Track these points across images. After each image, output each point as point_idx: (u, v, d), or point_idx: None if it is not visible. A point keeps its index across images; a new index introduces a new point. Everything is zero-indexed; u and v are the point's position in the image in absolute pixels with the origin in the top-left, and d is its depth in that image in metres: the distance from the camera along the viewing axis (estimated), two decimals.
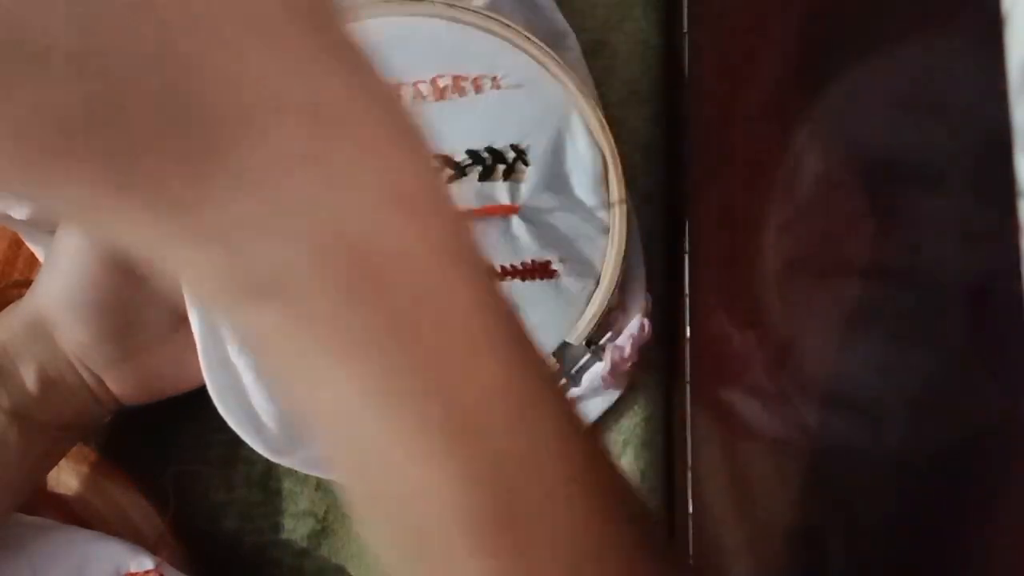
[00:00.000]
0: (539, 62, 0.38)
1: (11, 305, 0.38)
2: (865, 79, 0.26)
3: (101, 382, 0.39)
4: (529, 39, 0.38)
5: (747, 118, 0.37)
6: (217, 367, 0.38)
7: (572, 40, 0.42)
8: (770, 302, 0.34)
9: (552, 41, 0.40)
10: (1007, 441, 0.20)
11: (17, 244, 0.45)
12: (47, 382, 0.37)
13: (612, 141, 0.39)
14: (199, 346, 0.38)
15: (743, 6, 0.38)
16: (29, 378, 0.37)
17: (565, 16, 0.42)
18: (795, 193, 0.32)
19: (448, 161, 0.38)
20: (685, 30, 0.45)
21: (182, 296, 0.38)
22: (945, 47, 0.21)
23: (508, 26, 0.38)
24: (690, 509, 0.43)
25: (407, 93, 0.38)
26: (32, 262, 0.45)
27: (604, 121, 0.39)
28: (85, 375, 0.38)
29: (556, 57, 0.38)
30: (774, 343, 0.33)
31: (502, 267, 0.39)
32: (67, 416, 0.38)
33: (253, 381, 0.39)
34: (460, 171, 0.38)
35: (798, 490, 0.33)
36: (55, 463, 0.41)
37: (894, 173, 0.24)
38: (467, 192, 0.38)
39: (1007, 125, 0.18)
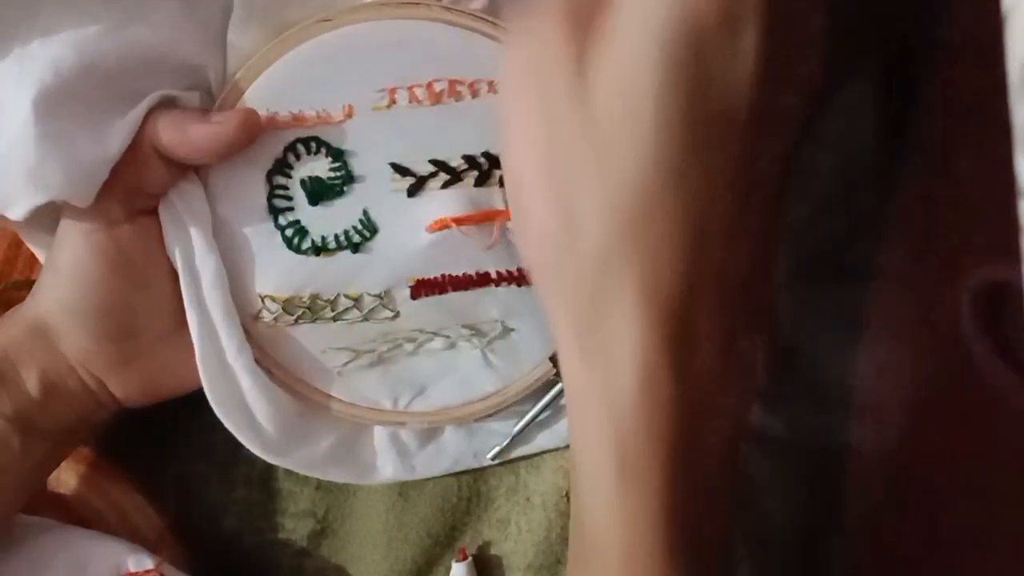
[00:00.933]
0: None
1: (12, 309, 0.38)
2: (866, 78, 0.26)
3: (103, 385, 0.38)
4: None
5: None
6: (215, 369, 0.38)
7: None
8: (773, 302, 0.34)
9: None
10: (1009, 439, 0.20)
11: (17, 244, 0.45)
12: (49, 387, 0.37)
13: None
14: (197, 350, 0.38)
15: None
16: (31, 383, 0.37)
17: None
18: (796, 193, 0.32)
19: (443, 167, 0.38)
20: None
21: (182, 299, 0.38)
22: (945, 46, 0.22)
23: (507, 29, 0.38)
24: None
25: (403, 98, 0.38)
26: (32, 262, 0.45)
27: None
28: (87, 379, 0.38)
29: None
30: (776, 343, 0.33)
31: (498, 273, 0.39)
32: (69, 420, 0.38)
33: (251, 384, 0.39)
34: (456, 177, 0.38)
35: (798, 491, 0.33)
36: (57, 466, 0.41)
37: (895, 173, 0.24)
38: (463, 198, 0.38)
39: (1007, 125, 0.18)
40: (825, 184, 0.29)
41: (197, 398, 0.39)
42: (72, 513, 0.43)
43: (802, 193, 0.31)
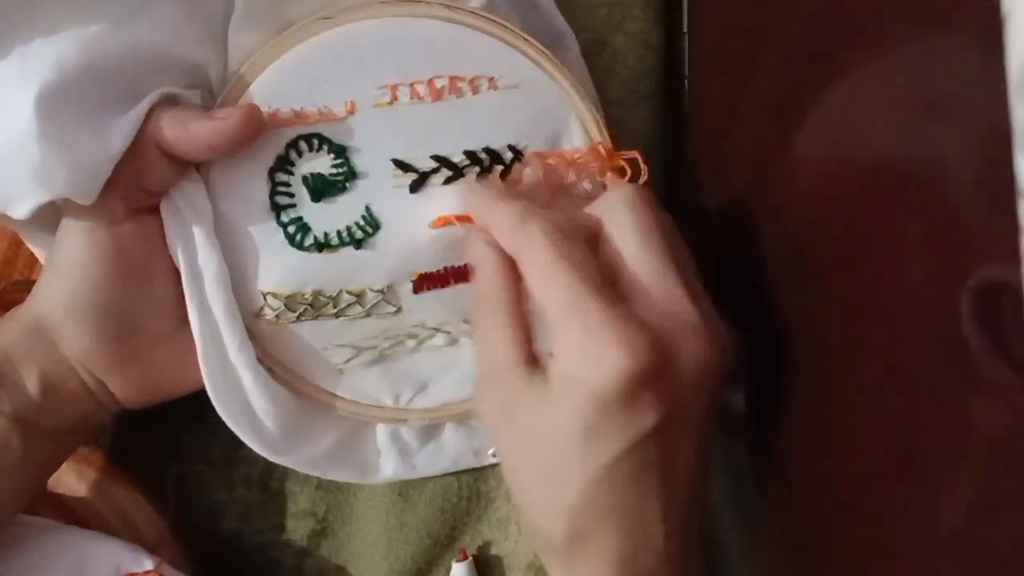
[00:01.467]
0: (536, 62, 0.38)
1: (12, 309, 0.38)
2: (865, 79, 0.26)
3: (103, 385, 0.38)
4: (526, 39, 0.38)
5: (748, 118, 0.37)
6: (216, 367, 0.38)
7: (571, 40, 0.42)
8: (770, 304, 0.34)
9: (551, 41, 0.40)
10: (1009, 439, 0.20)
11: (17, 244, 0.45)
12: (49, 387, 0.37)
13: (611, 142, 0.39)
14: (199, 347, 0.38)
15: (743, 6, 0.38)
16: (31, 383, 0.37)
17: (565, 16, 0.42)
18: (796, 193, 0.32)
19: (445, 162, 0.38)
20: (685, 30, 0.45)
21: (182, 297, 0.38)
22: (945, 46, 0.22)
23: (505, 26, 0.38)
24: None
25: (404, 94, 0.38)
26: (32, 262, 0.45)
27: (602, 122, 0.39)
28: (87, 379, 0.38)
29: (553, 57, 0.38)
30: (773, 343, 0.33)
31: None
32: (69, 421, 0.38)
33: (252, 382, 0.39)
34: (457, 172, 0.38)
35: (795, 490, 0.33)
36: (58, 467, 0.41)
37: (894, 173, 0.24)
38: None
39: (1007, 125, 0.18)
40: (822, 180, 0.29)
41: (197, 398, 0.39)
42: (72, 513, 0.43)
43: (799, 190, 0.31)
